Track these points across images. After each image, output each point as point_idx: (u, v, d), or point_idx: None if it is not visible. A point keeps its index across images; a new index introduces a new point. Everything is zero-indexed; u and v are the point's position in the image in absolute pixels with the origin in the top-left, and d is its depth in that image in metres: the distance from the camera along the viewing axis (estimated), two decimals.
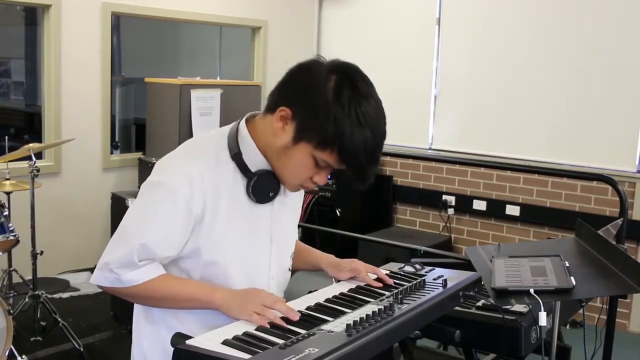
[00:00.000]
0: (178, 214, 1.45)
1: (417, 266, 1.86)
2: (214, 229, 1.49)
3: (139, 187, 1.57)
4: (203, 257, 1.51)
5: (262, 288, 1.55)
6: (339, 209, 5.39)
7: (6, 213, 3.55)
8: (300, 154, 1.45)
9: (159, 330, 1.57)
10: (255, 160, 1.52)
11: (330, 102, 1.40)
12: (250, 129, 1.54)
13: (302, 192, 1.73)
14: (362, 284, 1.71)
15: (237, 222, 1.52)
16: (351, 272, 1.75)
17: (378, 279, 1.73)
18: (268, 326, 1.38)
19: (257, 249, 1.59)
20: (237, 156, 1.51)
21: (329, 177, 1.56)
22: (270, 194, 1.54)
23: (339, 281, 1.75)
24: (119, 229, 1.51)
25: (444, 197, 5.54)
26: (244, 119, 1.56)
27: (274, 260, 1.62)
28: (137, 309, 1.63)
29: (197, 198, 1.46)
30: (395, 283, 1.72)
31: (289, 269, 1.72)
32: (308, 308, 1.50)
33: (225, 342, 1.29)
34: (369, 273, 1.75)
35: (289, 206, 1.67)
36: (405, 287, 1.66)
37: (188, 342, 1.29)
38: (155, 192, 1.49)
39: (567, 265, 1.75)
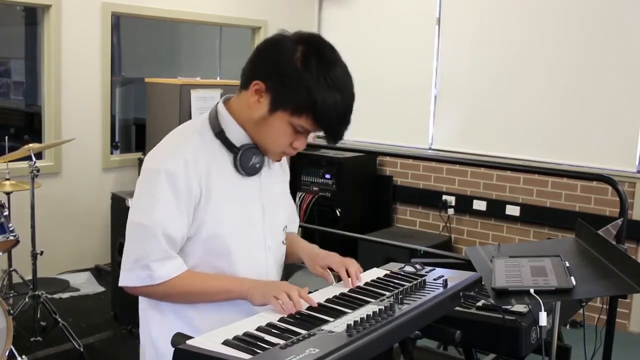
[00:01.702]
0: (180, 194, 1.53)
1: (418, 266, 1.86)
2: (209, 204, 1.56)
3: None
4: (203, 234, 1.57)
5: (259, 260, 1.67)
6: (339, 209, 5.38)
7: (6, 213, 3.54)
8: (278, 122, 1.54)
9: (166, 317, 1.61)
10: (238, 136, 1.61)
11: (300, 71, 1.48)
12: (228, 109, 1.62)
13: (285, 167, 1.83)
14: (362, 284, 1.71)
15: (230, 195, 1.60)
16: (321, 272, 1.75)
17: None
18: (283, 309, 1.46)
19: (251, 220, 1.65)
20: (220, 134, 1.60)
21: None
22: (257, 166, 1.62)
23: (339, 280, 1.75)
24: (133, 227, 1.55)
25: (444, 197, 5.54)
26: (221, 101, 1.65)
27: (268, 231, 1.69)
28: (142, 300, 1.66)
29: (192, 179, 1.54)
30: (395, 283, 1.72)
31: (283, 242, 1.79)
32: (308, 308, 1.51)
33: (226, 342, 1.29)
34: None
35: (276, 178, 1.75)
36: (405, 287, 1.66)
37: (188, 342, 1.29)
38: (155, 179, 1.54)
39: (567, 265, 1.75)
